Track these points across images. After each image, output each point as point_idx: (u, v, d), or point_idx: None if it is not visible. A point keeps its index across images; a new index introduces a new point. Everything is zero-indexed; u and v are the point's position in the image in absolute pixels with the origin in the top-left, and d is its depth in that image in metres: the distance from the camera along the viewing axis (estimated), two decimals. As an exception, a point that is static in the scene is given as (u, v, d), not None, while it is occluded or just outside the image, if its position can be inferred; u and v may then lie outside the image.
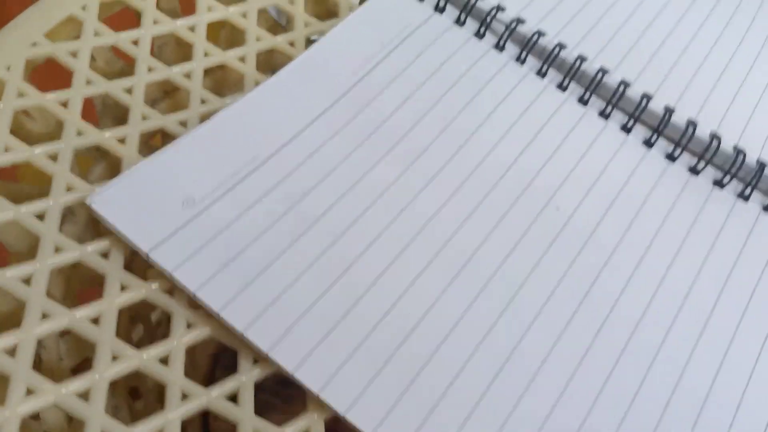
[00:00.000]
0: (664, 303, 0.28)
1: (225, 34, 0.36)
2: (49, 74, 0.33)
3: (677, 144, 0.33)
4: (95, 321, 0.24)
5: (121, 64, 0.34)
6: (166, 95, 0.35)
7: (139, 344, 0.25)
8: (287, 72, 0.30)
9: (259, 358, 0.24)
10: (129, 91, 0.30)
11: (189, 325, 0.25)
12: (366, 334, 0.25)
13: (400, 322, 0.25)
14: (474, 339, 0.26)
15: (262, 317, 0.24)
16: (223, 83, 0.36)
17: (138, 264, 0.26)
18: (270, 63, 0.37)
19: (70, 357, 0.27)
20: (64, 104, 0.28)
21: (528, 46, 0.34)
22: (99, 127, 0.33)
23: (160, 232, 0.25)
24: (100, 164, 0.32)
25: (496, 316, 0.26)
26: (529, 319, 0.26)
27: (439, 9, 0.34)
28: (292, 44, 0.34)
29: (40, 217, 0.26)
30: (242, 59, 0.32)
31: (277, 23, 0.38)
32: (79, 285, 0.29)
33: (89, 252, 0.25)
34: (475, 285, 0.27)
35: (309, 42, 0.37)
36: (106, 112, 0.33)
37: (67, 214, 0.30)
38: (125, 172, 0.26)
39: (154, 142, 0.35)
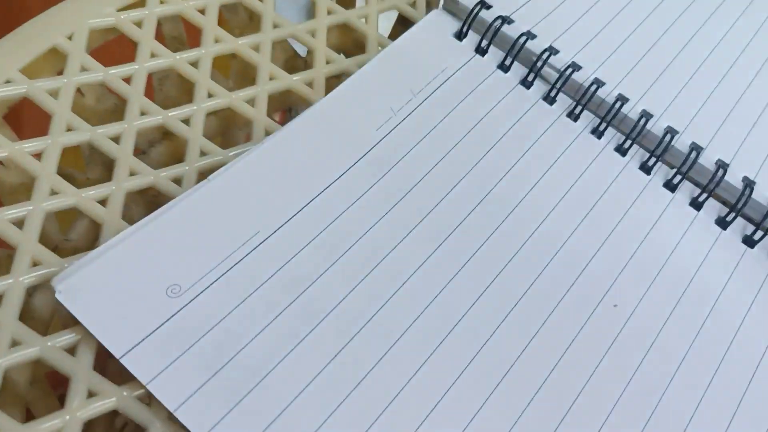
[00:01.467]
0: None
1: (236, 66, 0.32)
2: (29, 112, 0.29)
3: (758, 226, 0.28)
4: (53, 439, 0.20)
5: (114, 101, 0.29)
6: (165, 137, 0.30)
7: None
8: (297, 125, 0.26)
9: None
10: (116, 139, 0.25)
11: (167, 443, 0.21)
12: None
13: None
14: None
15: None
16: (232, 124, 0.31)
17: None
18: (286, 101, 0.32)
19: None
20: (39, 155, 0.24)
21: (583, 99, 0.29)
22: (87, 175, 0.29)
23: (137, 331, 0.21)
24: (83, 220, 0.28)
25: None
26: None
27: (481, 51, 0.29)
28: (310, 85, 0.29)
29: (-2, 299, 0.21)
30: (251, 102, 0.28)
31: (296, 54, 0.33)
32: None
33: (50, 348, 0.21)
34: (519, 400, 0.22)
35: (330, 81, 0.33)
36: (93, 158, 0.29)
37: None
38: (96, 250, 0.21)
39: (151, 192, 0.31)
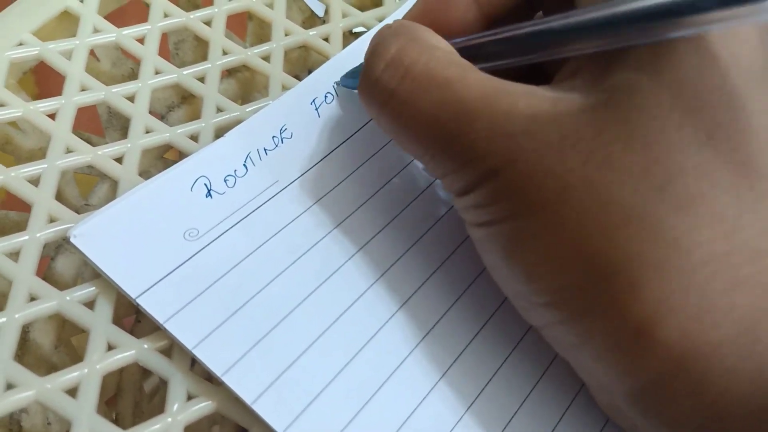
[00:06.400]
0: None
1: (252, 28, 0.31)
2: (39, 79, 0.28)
3: None
4: (72, 392, 0.19)
5: (130, 65, 0.29)
6: (183, 101, 0.30)
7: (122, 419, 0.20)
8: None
9: (275, 440, 0.19)
10: (131, 98, 0.25)
11: (189, 397, 0.20)
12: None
13: None
14: None
15: (276, 385, 0.19)
16: (252, 87, 0.31)
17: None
18: (306, 62, 0.31)
19: None
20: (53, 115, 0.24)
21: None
22: (105, 141, 0.29)
23: (154, 272, 0.20)
24: (103, 185, 0.28)
25: None
26: None
27: None
28: (326, 39, 0.28)
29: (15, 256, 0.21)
30: (267, 58, 0.27)
31: (314, 14, 0.32)
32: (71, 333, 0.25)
33: (68, 302, 0.20)
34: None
35: (350, 36, 0.32)
36: (112, 123, 0.29)
37: (63, 244, 0.25)
38: (113, 201, 0.21)
39: (169, 155, 0.30)
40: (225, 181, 0.22)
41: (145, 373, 0.27)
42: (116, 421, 0.19)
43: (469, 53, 0.19)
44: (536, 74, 0.20)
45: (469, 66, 0.18)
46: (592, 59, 0.17)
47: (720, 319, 0.15)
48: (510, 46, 0.18)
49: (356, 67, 0.24)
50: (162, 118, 0.29)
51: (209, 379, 0.20)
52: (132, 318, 0.24)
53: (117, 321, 0.21)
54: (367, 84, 0.20)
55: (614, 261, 0.16)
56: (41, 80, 0.31)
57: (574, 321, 0.17)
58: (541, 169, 0.16)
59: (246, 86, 0.30)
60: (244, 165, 0.23)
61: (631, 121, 0.16)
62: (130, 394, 0.25)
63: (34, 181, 0.22)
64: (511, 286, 0.19)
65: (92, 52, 0.27)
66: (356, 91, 0.24)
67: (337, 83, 0.24)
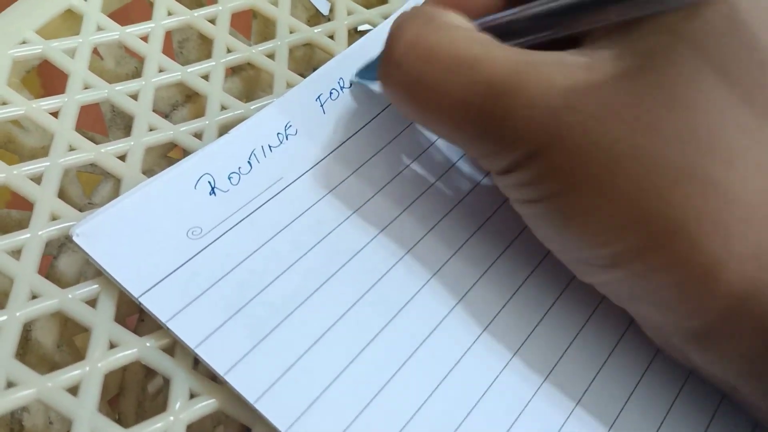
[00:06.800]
0: None
1: (257, 27, 0.31)
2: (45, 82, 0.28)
3: None
4: (73, 390, 0.19)
5: (135, 64, 0.29)
6: (188, 99, 0.30)
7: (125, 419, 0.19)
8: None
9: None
10: (135, 96, 0.25)
11: (192, 395, 0.20)
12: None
13: None
14: None
15: (279, 383, 0.19)
16: (256, 86, 0.31)
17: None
18: (311, 60, 0.31)
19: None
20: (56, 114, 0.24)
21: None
22: (109, 139, 0.28)
23: (156, 271, 0.20)
24: (106, 184, 0.28)
25: None
26: None
27: None
28: (331, 37, 0.28)
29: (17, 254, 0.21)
30: (271, 56, 0.27)
31: (319, 13, 0.32)
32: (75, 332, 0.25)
33: (70, 300, 0.20)
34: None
35: (355, 33, 0.32)
36: (115, 122, 0.28)
37: (65, 242, 0.25)
38: (116, 199, 0.21)
39: (174, 154, 0.30)
40: (229, 178, 0.22)
41: (149, 373, 0.27)
42: (119, 421, 0.19)
43: (494, 32, 0.19)
44: (561, 42, 0.20)
45: (491, 41, 0.18)
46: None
47: None
48: (537, 21, 0.18)
49: (371, 61, 0.23)
50: (166, 116, 0.29)
51: (213, 377, 0.20)
52: (135, 317, 0.24)
53: (120, 319, 0.21)
54: (388, 72, 0.19)
55: (673, 220, 0.16)
56: (47, 82, 0.31)
57: (637, 278, 0.17)
58: (587, 143, 0.16)
59: (251, 85, 0.30)
60: (249, 162, 0.22)
61: (670, 84, 0.16)
62: (133, 394, 0.25)
63: (37, 179, 0.22)
64: (568, 254, 0.19)
65: (96, 51, 0.27)
66: (374, 85, 0.24)
67: (353, 79, 0.24)
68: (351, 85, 0.24)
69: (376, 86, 0.24)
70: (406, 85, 0.19)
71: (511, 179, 0.18)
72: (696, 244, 0.16)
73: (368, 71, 0.24)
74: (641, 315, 0.19)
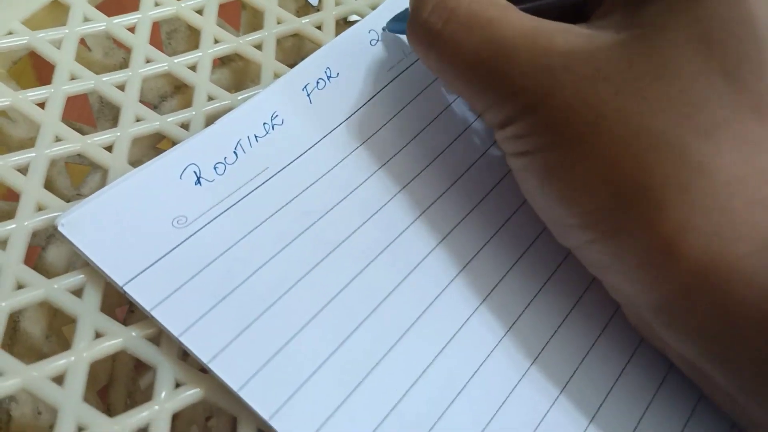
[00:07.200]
0: None
1: (246, 18, 0.31)
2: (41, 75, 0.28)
3: None
4: (59, 380, 0.19)
5: (122, 55, 0.29)
6: (176, 91, 0.30)
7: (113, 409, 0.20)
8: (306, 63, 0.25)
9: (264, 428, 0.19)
10: (122, 87, 0.25)
11: (178, 385, 0.20)
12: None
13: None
14: None
15: (264, 371, 0.19)
16: (245, 77, 0.31)
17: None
18: (300, 51, 0.31)
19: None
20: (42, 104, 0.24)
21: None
22: (96, 131, 0.28)
23: (141, 260, 0.20)
24: (95, 175, 0.28)
25: None
26: None
27: None
28: (319, 27, 0.28)
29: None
30: (259, 47, 0.27)
31: (308, 4, 0.32)
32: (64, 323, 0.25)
33: (56, 290, 0.20)
34: None
35: (344, 24, 0.32)
36: (103, 113, 0.28)
37: (53, 233, 0.25)
38: (101, 189, 0.21)
39: (163, 145, 0.30)
40: (215, 168, 0.22)
41: (141, 366, 0.27)
42: (108, 412, 0.19)
43: None
44: (574, 15, 0.21)
45: (509, 6, 0.20)
46: None
47: (740, 235, 0.16)
48: None
49: (401, 13, 0.25)
50: (155, 108, 0.29)
51: (202, 368, 0.20)
52: (125, 308, 0.24)
53: (110, 311, 0.21)
54: (414, 27, 0.21)
55: (642, 183, 0.17)
56: (43, 75, 0.31)
57: (605, 240, 0.18)
58: (577, 101, 0.17)
59: (240, 76, 0.30)
60: (234, 152, 0.22)
61: (660, 53, 0.17)
62: (123, 385, 0.25)
63: (23, 170, 0.22)
64: (547, 212, 0.20)
65: (84, 42, 0.27)
66: (402, 35, 0.25)
67: (384, 29, 0.25)
68: (382, 33, 0.25)
69: (404, 37, 0.25)
70: (429, 41, 0.20)
71: (507, 132, 0.19)
72: (660, 211, 0.17)
73: (397, 23, 0.25)
74: (614, 287, 0.20)
